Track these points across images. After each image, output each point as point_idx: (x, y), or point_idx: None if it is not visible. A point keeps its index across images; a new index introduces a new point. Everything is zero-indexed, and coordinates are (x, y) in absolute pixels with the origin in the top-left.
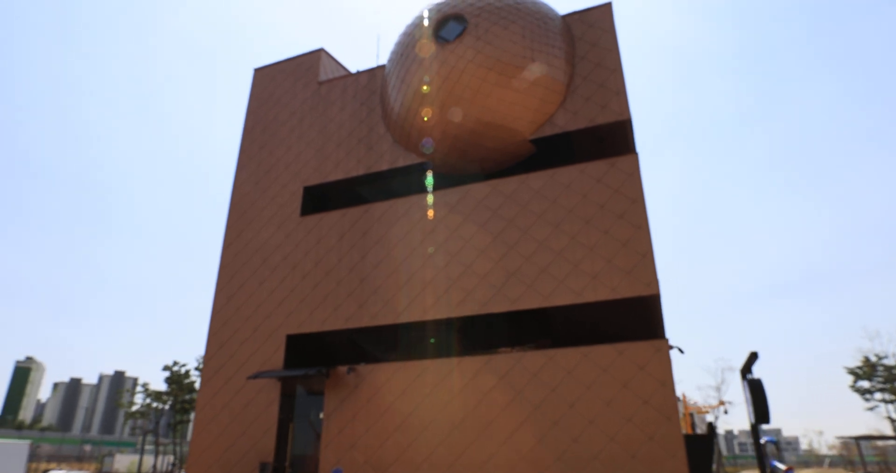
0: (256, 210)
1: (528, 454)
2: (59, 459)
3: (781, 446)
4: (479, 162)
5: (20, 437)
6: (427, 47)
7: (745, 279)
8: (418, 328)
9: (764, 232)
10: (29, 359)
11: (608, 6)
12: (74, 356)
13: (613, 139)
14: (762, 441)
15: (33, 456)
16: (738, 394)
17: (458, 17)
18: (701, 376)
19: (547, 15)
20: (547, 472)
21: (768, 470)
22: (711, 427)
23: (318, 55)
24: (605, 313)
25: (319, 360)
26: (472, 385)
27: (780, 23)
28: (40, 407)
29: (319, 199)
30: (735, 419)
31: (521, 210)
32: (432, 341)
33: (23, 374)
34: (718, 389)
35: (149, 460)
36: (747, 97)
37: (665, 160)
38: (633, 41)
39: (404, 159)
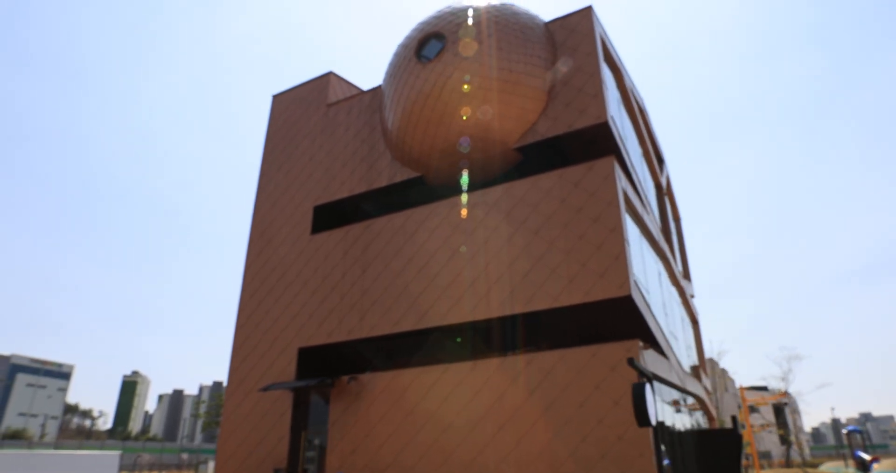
0: (274, 230)
1: (509, 454)
2: (160, 467)
3: (867, 435)
4: (468, 173)
5: (124, 448)
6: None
7: (822, 265)
8: (413, 337)
9: (839, 217)
10: (135, 373)
11: (588, 10)
12: (177, 369)
13: (605, 142)
14: (845, 431)
15: (135, 465)
16: (807, 383)
17: (438, 36)
18: (768, 366)
19: (527, 25)
20: (527, 471)
21: (851, 461)
22: (735, 421)
23: (327, 78)
24: (601, 313)
25: (329, 370)
26: (459, 391)
27: None
28: (148, 419)
29: (328, 216)
30: (818, 409)
31: (504, 218)
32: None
33: (130, 388)
34: (784, 379)
35: None
36: (828, 71)
37: (742, 143)
38: (700, 20)
39: (401, 175)
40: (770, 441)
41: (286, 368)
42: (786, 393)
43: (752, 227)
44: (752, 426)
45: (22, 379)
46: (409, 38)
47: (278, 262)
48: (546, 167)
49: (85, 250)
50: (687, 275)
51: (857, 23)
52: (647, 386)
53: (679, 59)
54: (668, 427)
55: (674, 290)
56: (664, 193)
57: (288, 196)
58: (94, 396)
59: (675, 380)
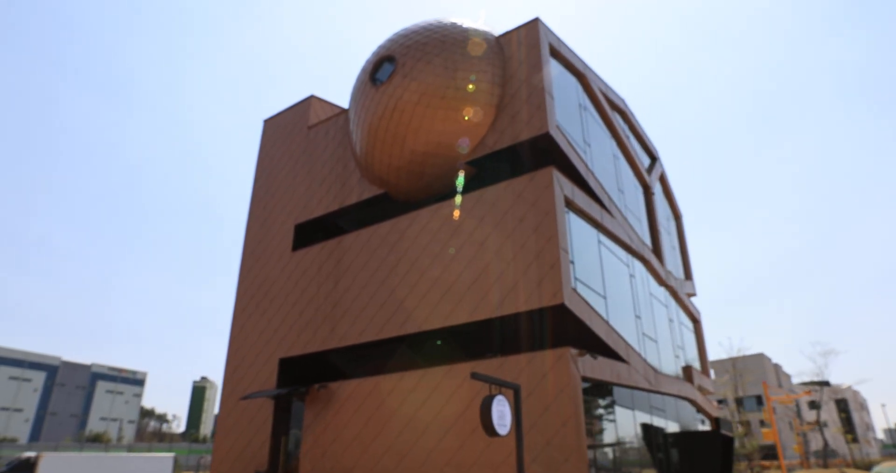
0: (262, 248)
1: (452, 458)
2: None
3: None
4: (425, 188)
5: (190, 450)
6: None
7: (866, 259)
8: (377, 347)
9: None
10: (203, 379)
11: (535, 22)
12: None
13: (556, 151)
14: None
15: (199, 466)
16: (844, 379)
17: (390, 59)
18: (802, 362)
19: (475, 41)
20: None
21: None
22: (718, 422)
23: (309, 102)
24: (557, 319)
25: (309, 379)
26: (411, 398)
27: None
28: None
29: (308, 233)
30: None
31: (455, 231)
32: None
33: (199, 393)
34: (819, 374)
35: None
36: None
37: (786, 136)
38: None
39: (368, 192)
40: (830, 439)
41: (269, 377)
42: (810, 391)
43: (788, 223)
44: (804, 423)
45: (102, 386)
46: (367, 62)
47: (264, 278)
48: (507, 177)
49: (145, 260)
50: (688, 274)
51: None
52: (498, 398)
53: (717, 46)
54: (655, 429)
55: (660, 290)
56: (652, 192)
57: (274, 216)
58: (169, 400)
59: (643, 383)
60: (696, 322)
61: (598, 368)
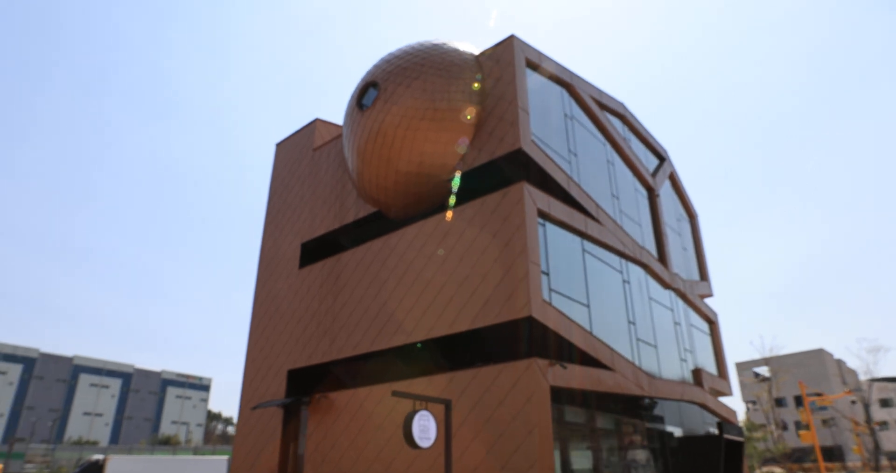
0: (273, 266)
1: (433, 465)
2: None
3: None
4: (414, 206)
5: None
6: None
7: None
8: (370, 358)
9: None
10: None
11: (511, 39)
12: None
13: (535, 164)
14: None
15: None
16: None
17: (375, 84)
18: (849, 358)
19: (454, 62)
20: None
21: None
22: (721, 426)
23: (314, 124)
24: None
25: (313, 389)
26: (399, 407)
27: None
28: None
29: (313, 251)
30: None
31: (438, 246)
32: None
33: None
34: (868, 372)
35: None
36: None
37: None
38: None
39: (363, 211)
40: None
41: (279, 388)
42: (851, 391)
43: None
44: (860, 423)
45: (172, 392)
46: (355, 88)
47: (276, 295)
48: (488, 192)
49: (199, 269)
50: (703, 275)
51: None
52: (421, 413)
53: (764, 29)
54: (649, 434)
55: (665, 294)
56: (657, 194)
57: (283, 235)
58: (236, 404)
59: (633, 389)
60: (711, 324)
61: (574, 376)
